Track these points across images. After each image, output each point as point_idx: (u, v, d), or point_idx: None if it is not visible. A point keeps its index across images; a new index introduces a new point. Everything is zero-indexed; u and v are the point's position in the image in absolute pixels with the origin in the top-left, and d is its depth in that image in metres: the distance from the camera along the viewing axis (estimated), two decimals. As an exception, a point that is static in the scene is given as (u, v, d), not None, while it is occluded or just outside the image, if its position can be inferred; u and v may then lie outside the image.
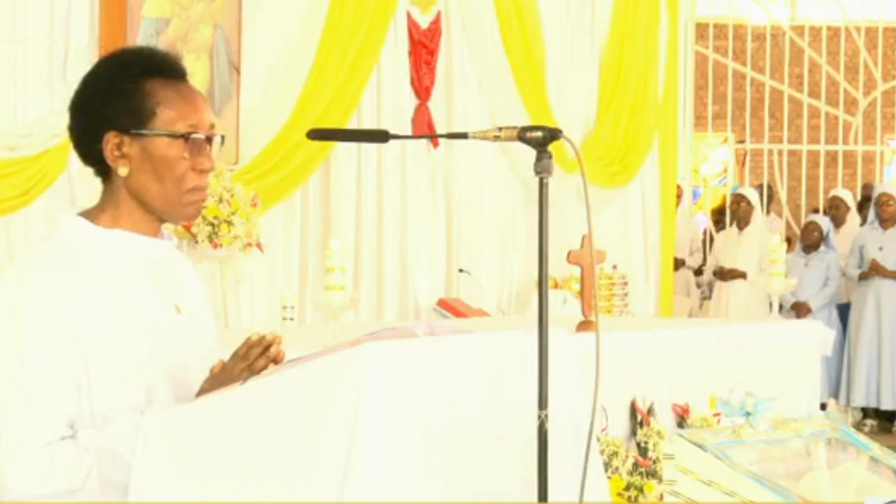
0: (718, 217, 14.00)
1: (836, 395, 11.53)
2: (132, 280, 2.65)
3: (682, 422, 5.53)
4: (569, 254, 5.67)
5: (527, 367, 2.57)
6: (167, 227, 2.78)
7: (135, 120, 2.65)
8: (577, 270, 6.80)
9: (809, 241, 11.65)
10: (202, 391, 2.65)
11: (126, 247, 2.68)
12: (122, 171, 2.66)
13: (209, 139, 2.69)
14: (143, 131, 2.64)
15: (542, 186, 2.58)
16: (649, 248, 11.36)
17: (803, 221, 13.04)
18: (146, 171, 2.66)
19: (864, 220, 12.09)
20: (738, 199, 11.90)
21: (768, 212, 13.77)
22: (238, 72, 8.18)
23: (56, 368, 2.53)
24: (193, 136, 2.66)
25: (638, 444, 5.37)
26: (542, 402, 2.52)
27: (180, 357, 2.68)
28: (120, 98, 2.65)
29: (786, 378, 5.96)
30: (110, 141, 2.65)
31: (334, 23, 8.63)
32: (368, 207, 9.14)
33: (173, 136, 2.65)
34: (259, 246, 7.92)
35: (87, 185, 6.71)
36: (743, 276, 11.50)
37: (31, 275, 2.57)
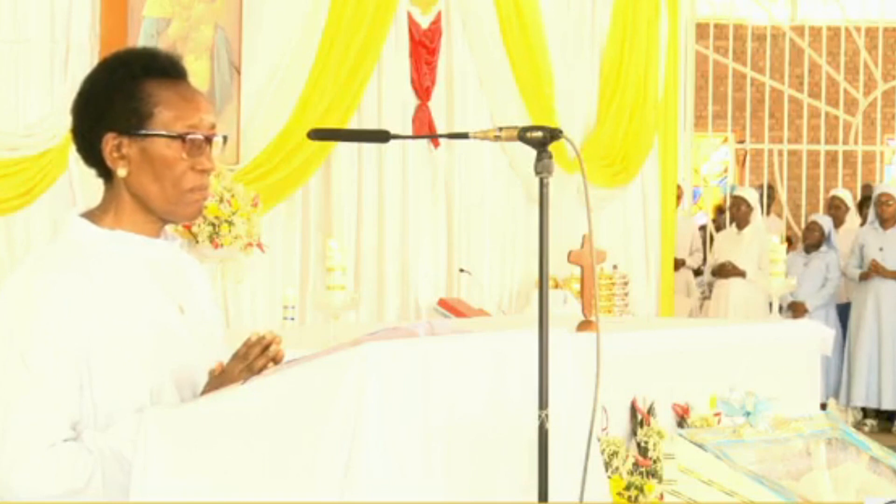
0: (718, 216, 14.01)
1: (836, 395, 11.54)
2: (136, 281, 2.66)
3: (682, 422, 5.54)
4: (569, 254, 5.68)
5: (527, 367, 2.57)
6: (170, 228, 2.79)
7: (133, 121, 2.65)
8: (577, 270, 6.81)
9: (811, 241, 11.66)
10: (204, 393, 2.66)
11: (130, 247, 2.68)
12: (122, 171, 2.67)
13: (209, 139, 2.70)
14: (142, 132, 2.65)
15: (543, 186, 2.58)
16: (650, 248, 11.37)
17: (803, 221, 13.06)
18: (145, 171, 2.66)
19: (864, 220, 12.09)
20: (738, 201, 11.91)
21: (768, 212, 13.78)
22: (239, 72, 8.18)
23: (60, 369, 2.54)
24: (191, 136, 2.66)
25: (638, 444, 5.37)
26: (543, 402, 2.52)
27: (185, 358, 2.68)
28: (119, 99, 2.66)
29: (786, 378, 5.97)
30: (109, 142, 2.66)
31: (335, 23, 8.63)
32: (369, 207, 9.14)
33: (170, 136, 2.65)
34: (260, 246, 7.93)
35: (88, 185, 6.73)
36: (742, 273, 11.51)
37: (37, 276, 2.58)
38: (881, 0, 16.15)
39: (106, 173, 2.70)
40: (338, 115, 8.60)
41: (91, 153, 2.69)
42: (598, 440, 4.37)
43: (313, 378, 2.43)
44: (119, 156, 2.66)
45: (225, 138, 2.75)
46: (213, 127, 2.71)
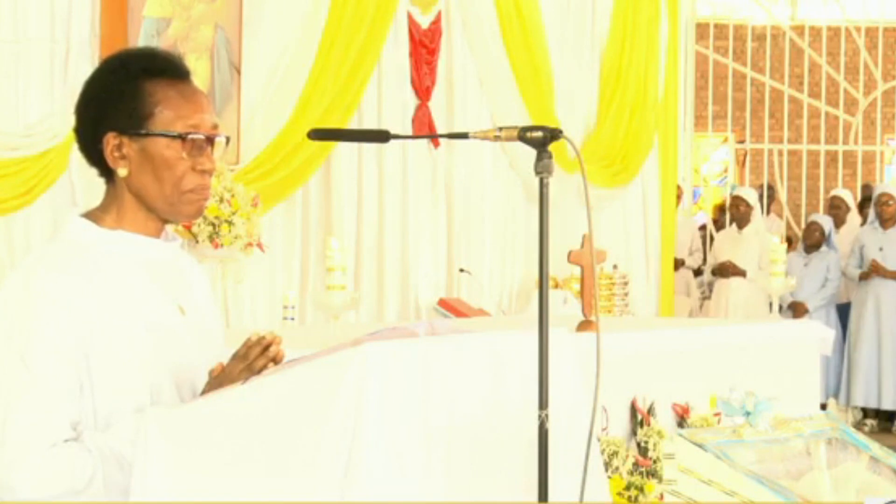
0: (718, 216, 14.02)
1: (836, 395, 11.54)
2: (136, 281, 2.66)
3: (682, 422, 5.54)
4: (569, 253, 5.67)
5: (527, 367, 2.57)
6: (170, 228, 2.79)
7: (134, 121, 2.65)
8: (577, 270, 6.80)
9: (811, 241, 11.66)
10: (203, 393, 2.65)
11: (130, 248, 2.68)
12: (122, 171, 2.66)
13: (210, 139, 2.69)
14: (142, 132, 2.65)
15: (543, 186, 2.58)
16: (650, 248, 11.37)
17: (803, 221, 13.06)
18: (146, 171, 2.66)
19: (864, 220, 12.10)
20: (738, 201, 11.91)
21: (768, 212, 13.78)
22: (239, 72, 8.18)
23: (60, 370, 2.53)
24: (191, 136, 2.66)
25: (638, 444, 5.37)
26: (543, 402, 2.52)
27: (185, 358, 2.68)
28: (119, 99, 2.65)
29: (786, 378, 5.96)
30: (110, 142, 2.66)
31: (335, 23, 8.63)
32: (369, 207, 9.14)
33: (170, 136, 2.65)
34: (260, 246, 7.93)
35: (88, 185, 6.74)
36: (742, 273, 11.52)
37: (37, 277, 2.58)
38: (881, 0, 16.15)
39: (107, 173, 2.70)
40: (338, 115, 8.60)
41: (92, 153, 2.70)
42: (598, 440, 4.37)
43: (313, 378, 2.43)
44: (120, 155, 2.66)
45: (227, 139, 2.75)
46: (215, 127, 2.70)
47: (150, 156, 2.65)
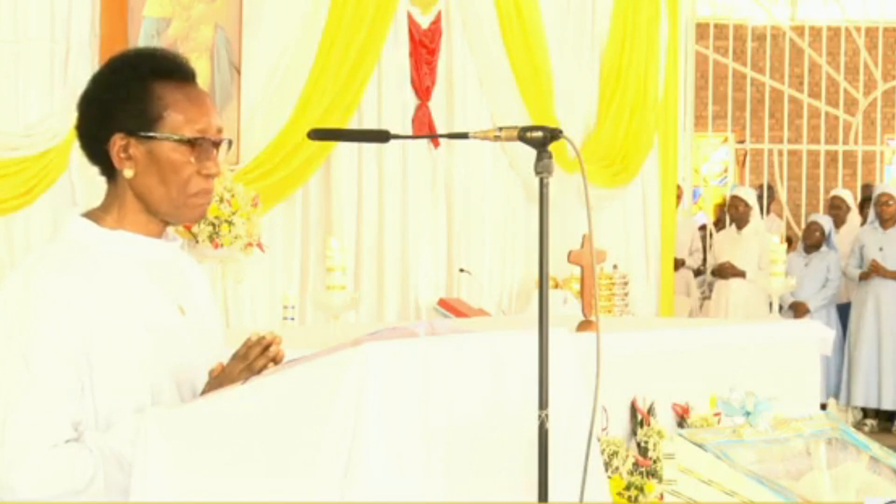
0: (718, 216, 14.03)
1: (836, 395, 11.54)
2: (137, 281, 2.66)
3: (682, 422, 5.54)
4: (569, 253, 5.67)
5: (527, 367, 2.57)
6: (171, 228, 2.79)
7: (142, 122, 2.65)
8: (577, 270, 6.80)
9: (811, 241, 11.66)
10: (203, 393, 2.66)
11: (131, 248, 2.68)
12: (128, 172, 2.66)
13: (216, 144, 2.69)
14: (151, 134, 2.65)
15: (543, 186, 2.58)
16: (650, 248, 11.37)
17: (803, 221, 13.06)
18: (152, 173, 2.66)
19: (864, 220, 12.10)
20: (736, 201, 11.92)
21: (768, 212, 13.79)
22: (239, 72, 8.18)
23: (61, 370, 2.53)
24: (201, 141, 2.66)
25: (638, 444, 5.37)
26: (543, 402, 2.52)
27: (185, 358, 2.68)
28: (128, 100, 2.65)
29: (786, 378, 5.96)
30: (117, 143, 2.66)
31: (335, 23, 8.64)
32: (369, 207, 9.14)
33: (181, 140, 2.65)
34: (260, 246, 7.93)
35: (88, 185, 6.74)
36: (742, 274, 11.52)
37: (37, 276, 2.58)
38: (881, 0, 16.15)
39: (109, 172, 2.70)
40: (338, 115, 8.60)
41: (96, 152, 2.69)
42: (598, 440, 4.37)
43: (313, 378, 2.43)
44: (126, 157, 2.66)
45: (230, 142, 2.75)
46: (220, 131, 2.71)
47: (156, 158, 2.65)
